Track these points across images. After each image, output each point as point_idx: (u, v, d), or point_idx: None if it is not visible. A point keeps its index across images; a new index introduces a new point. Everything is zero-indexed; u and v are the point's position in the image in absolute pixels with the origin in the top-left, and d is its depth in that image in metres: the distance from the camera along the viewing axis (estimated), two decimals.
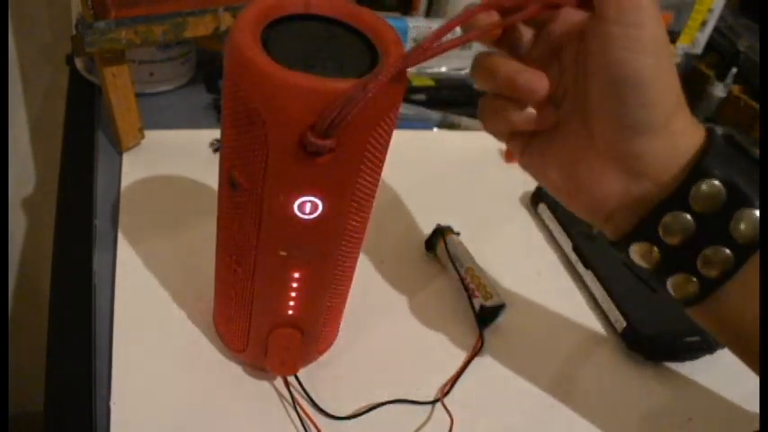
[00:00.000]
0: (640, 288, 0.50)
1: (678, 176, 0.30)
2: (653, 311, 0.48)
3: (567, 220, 0.55)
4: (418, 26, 0.73)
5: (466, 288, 0.47)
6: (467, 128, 0.70)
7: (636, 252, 0.31)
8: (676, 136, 0.30)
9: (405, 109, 0.68)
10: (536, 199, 0.59)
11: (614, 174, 0.31)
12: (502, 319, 0.47)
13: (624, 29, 0.28)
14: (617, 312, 0.48)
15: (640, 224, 0.31)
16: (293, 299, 0.35)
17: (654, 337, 0.46)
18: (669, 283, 0.31)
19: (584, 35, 0.30)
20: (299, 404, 0.38)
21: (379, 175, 0.32)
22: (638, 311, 0.47)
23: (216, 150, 0.57)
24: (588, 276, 0.51)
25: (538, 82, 0.30)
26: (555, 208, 0.57)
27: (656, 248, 0.30)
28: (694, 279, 0.30)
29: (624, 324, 0.47)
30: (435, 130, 0.69)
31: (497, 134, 0.36)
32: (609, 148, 0.31)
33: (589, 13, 0.30)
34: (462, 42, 0.29)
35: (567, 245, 0.54)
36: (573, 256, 0.53)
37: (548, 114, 0.32)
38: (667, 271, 0.31)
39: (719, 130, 0.32)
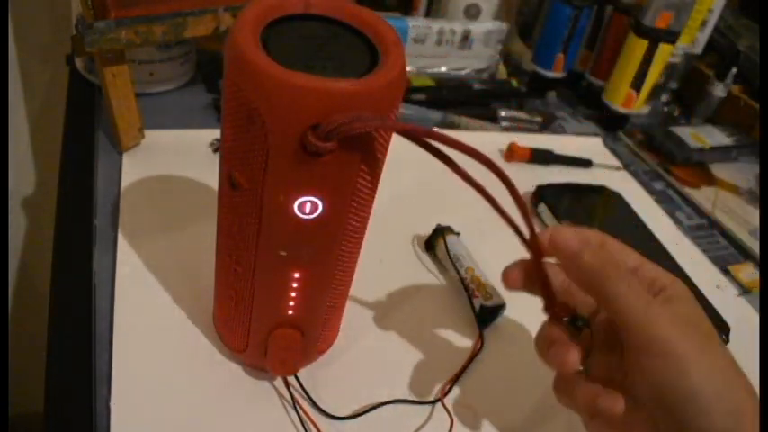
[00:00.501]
0: None
1: None
2: None
3: (566, 220, 0.55)
4: (418, 26, 0.73)
5: (466, 288, 0.47)
6: (467, 128, 0.70)
7: None
8: None
9: (405, 109, 0.68)
10: (536, 199, 0.59)
11: None
12: (502, 319, 0.47)
13: (656, 359, 0.28)
14: None
15: None
16: (293, 299, 0.35)
17: None
18: None
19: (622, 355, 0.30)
20: (298, 404, 0.37)
21: (379, 175, 0.32)
22: None
23: (216, 150, 0.57)
24: None
25: (612, 402, 0.30)
26: (555, 208, 0.57)
27: None
28: None
29: None
30: (435, 130, 0.69)
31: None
32: None
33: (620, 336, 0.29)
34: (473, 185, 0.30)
35: None
36: None
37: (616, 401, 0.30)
38: None
39: None
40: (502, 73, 0.83)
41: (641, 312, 0.28)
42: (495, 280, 0.48)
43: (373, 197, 0.33)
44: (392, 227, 0.52)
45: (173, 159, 0.54)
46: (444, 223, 0.52)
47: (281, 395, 0.38)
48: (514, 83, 0.81)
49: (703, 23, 0.80)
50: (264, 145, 0.28)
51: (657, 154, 0.75)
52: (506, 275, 0.33)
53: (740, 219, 0.67)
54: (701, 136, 0.77)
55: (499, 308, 0.46)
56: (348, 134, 0.26)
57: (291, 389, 0.38)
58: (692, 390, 0.27)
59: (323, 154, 0.27)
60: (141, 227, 0.47)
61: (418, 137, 0.28)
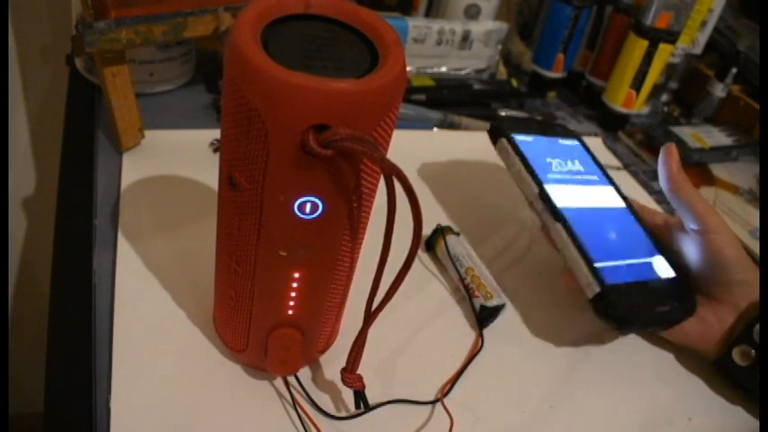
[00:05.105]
0: (616, 251, 0.46)
1: None
2: (627, 283, 0.44)
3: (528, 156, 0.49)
4: (418, 26, 0.73)
5: (466, 288, 0.47)
6: (467, 128, 0.70)
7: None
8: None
9: (405, 109, 0.68)
10: (495, 134, 0.52)
11: None
12: (502, 319, 0.47)
13: (712, 235, 0.45)
14: (590, 276, 0.44)
15: None
16: (293, 299, 0.35)
17: (625, 306, 0.43)
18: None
19: None
20: (299, 404, 0.38)
21: (380, 174, 0.32)
22: (611, 278, 0.44)
23: (216, 150, 0.57)
24: (558, 234, 0.46)
25: None
26: (516, 144, 0.50)
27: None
28: None
29: (597, 290, 0.43)
30: (435, 130, 0.69)
31: None
32: None
33: None
34: None
35: (533, 192, 0.48)
36: (539, 204, 0.48)
37: None
38: None
39: None
40: (502, 73, 0.83)
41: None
42: (495, 280, 0.48)
43: (373, 197, 0.33)
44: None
45: (173, 159, 0.54)
46: (444, 223, 0.52)
47: (281, 395, 0.38)
48: (514, 83, 0.81)
49: (703, 23, 0.80)
50: (264, 145, 0.28)
51: (657, 154, 0.74)
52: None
53: (740, 219, 0.67)
54: (701, 136, 0.77)
55: (499, 308, 0.46)
56: (347, 150, 0.27)
57: (291, 389, 0.38)
58: (729, 259, 0.44)
59: (321, 157, 0.27)
60: (141, 227, 0.47)
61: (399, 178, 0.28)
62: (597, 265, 0.44)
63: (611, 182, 0.52)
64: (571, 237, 0.45)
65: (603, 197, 0.50)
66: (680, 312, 0.45)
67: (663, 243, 0.49)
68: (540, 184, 0.48)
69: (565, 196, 0.48)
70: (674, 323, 0.46)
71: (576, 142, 0.55)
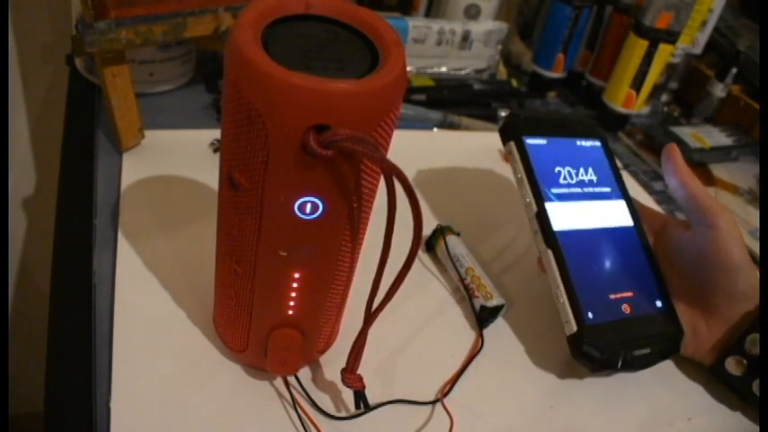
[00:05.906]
0: (607, 283, 0.44)
1: None
2: (609, 322, 0.42)
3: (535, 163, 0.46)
4: (418, 26, 0.74)
5: (466, 288, 0.47)
6: (467, 128, 0.70)
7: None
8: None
9: (405, 109, 0.68)
10: (506, 135, 0.48)
11: None
12: (502, 319, 0.47)
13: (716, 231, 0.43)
14: (570, 314, 0.42)
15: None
16: (293, 299, 0.35)
17: (600, 350, 0.41)
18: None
19: None
20: (299, 404, 0.38)
21: (380, 175, 0.32)
22: (593, 317, 0.42)
23: (216, 150, 0.57)
24: (548, 262, 0.44)
25: None
26: (524, 150, 0.47)
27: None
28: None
29: (574, 329, 0.42)
30: (435, 130, 0.69)
31: None
32: None
33: None
34: None
35: (531, 210, 0.45)
36: (535, 225, 0.45)
37: None
38: None
39: None
40: (502, 73, 0.83)
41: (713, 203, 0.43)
42: (495, 280, 0.48)
43: (373, 197, 0.33)
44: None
45: (173, 159, 0.54)
46: (444, 223, 0.52)
47: (281, 395, 0.38)
48: (514, 83, 0.81)
49: (703, 23, 0.80)
50: (265, 145, 0.28)
51: (657, 154, 0.75)
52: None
53: (740, 219, 0.67)
54: (701, 136, 0.77)
55: (499, 308, 0.46)
56: (347, 151, 0.27)
57: (291, 389, 0.38)
58: (734, 261, 0.42)
59: (321, 157, 0.27)
60: (141, 227, 0.47)
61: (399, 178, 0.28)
62: (581, 301, 0.42)
63: (624, 194, 0.49)
64: (560, 267, 0.43)
65: (611, 214, 0.47)
66: (659, 355, 0.44)
67: (659, 267, 0.46)
68: (540, 202, 0.45)
69: (565, 216, 0.45)
70: (652, 365, 0.44)
71: (597, 143, 0.50)
